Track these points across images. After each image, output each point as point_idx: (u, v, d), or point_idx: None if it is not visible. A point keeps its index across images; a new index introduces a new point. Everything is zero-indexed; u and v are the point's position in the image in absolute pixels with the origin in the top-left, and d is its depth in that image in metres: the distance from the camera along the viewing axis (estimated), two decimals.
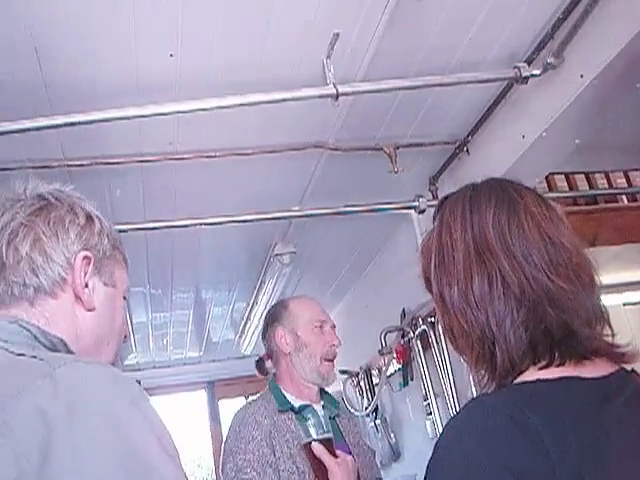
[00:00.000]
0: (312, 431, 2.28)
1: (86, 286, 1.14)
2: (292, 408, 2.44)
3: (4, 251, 1.09)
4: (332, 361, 2.59)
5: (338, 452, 2.19)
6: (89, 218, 1.19)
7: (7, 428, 0.80)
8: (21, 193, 1.16)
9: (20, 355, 0.94)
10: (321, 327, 2.60)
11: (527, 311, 1.05)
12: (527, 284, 1.06)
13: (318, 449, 2.15)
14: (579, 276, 1.08)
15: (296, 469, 2.25)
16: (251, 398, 2.55)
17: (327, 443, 2.18)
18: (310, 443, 2.17)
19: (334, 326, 2.68)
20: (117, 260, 1.24)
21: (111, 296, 1.20)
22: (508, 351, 1.05)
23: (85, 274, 1.14)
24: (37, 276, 1.08)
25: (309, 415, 2.36)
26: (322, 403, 2.55)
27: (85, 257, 1.14)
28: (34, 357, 0.93)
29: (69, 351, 1.05)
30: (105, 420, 0.84)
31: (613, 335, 1.11)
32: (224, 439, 2.42)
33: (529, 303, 1.06)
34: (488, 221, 1.13)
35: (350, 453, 2.36)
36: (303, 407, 2.45)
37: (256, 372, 2.81)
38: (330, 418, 2.53)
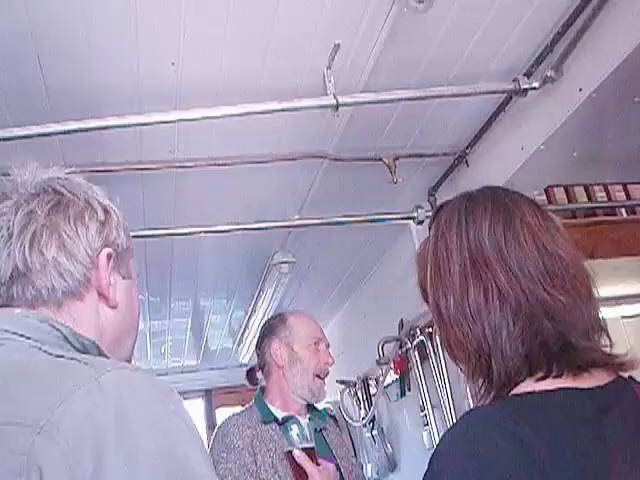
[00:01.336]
0: (295, 440, 2.29)
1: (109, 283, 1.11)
2: (276, 419, 2.46)
3: (27, 256, 1.03)
4: (323, 379, 2.61)
5: (320, 460, 2.20)
6: (106, 212, 1.14)
7: (58, 433, 0.78)
8: (25, 181, 1.09)
9: (59, 357, 0.91)
10: (316, 344, 2.63)
11: (523, 324, 1.05)
12: (523, 296, 1.06)
13: (300, 456, 2.16)
14: (576, 287, 1.08)
15: (278, 478, 2.26)
16: (234, 411, 2.56)
17: (309, 452, 2.19)
18: (292, 451, 2.18)
19: (329, 345, 2.70)
20: (130, 250, 1.20)
21: (129, 288, 1.17)
22: (504, 364, 1.05)
23: (109, 272, 1.10)
24: (64, 279, 1.04)
25: (293, 426, 2.38)
26: (308, 416, 2.57)
27: (108, 254, 1.11)
28: (73, 359, 0.90)
29: (101, 354, 1.01)
30: (154, 429, 0.83)
31: (611, 345, 1.10)
32: (208, 449, 2.43)
33: (525, 316, 1.05)
34: (484, 232, 1.12)
35: (336, 465, 2.37)
36: (287, 418, 2.47)
37: (246, 382, 2.83)
38: (316, 431, 2.54)
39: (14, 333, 0.95)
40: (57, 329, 0.98)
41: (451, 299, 1.12)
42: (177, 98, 2.40)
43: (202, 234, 3.15)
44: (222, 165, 2.87)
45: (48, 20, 2.00)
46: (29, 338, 0.95)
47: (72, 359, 0.90)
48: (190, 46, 2.19)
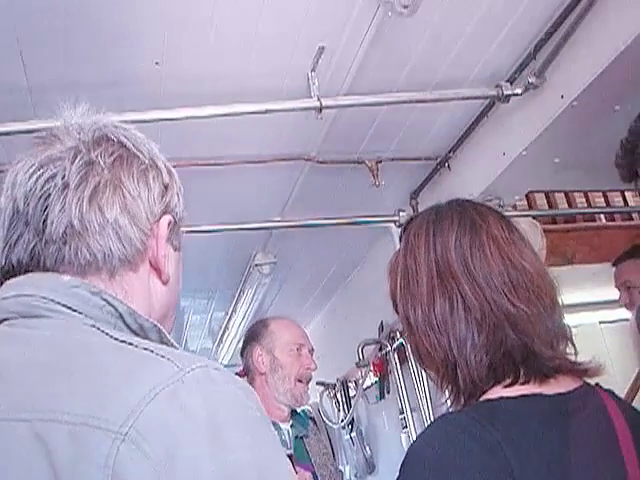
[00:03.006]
0: None
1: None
2: None
3: (85, 212, 0.87)
4: (307, 383, 2.61)
5: (297, 468, 2.20)
6: (170, 174, 1.01)
7: (146, 443, 0.66)
8: (81, 124, 0.96)
9: (129, 344, 0.77)
10: (299, 350, 2.62)
11: (487, 334, 1.08)
12: (488, 307, 1.09)
13: None
14: (540, 298, 1.11)
15: None
16: None
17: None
18: None
19: (312, 350, 2.70)
20: (183, 219, 1.06)
21: (178, 260, 1.04)
22: (470, 373, 1.08)
23: (166, 242, 0.97)
24: (123, 245, 0.89)
25: None
26: (291, 422, 2.57)
27: (169, 222, 0.98)
28: (146, 350, 0.76)
29: (162, 340, 0.87)
30: (247, 443, 0.71)
31: (576, 353, 1.13)
32: None
33: (489, 326, 1.08)
34: (450, 244, 1.15)
35: (314, 473, 2.37)
36: None
37: None
38: (297, 438, 2.54)
39: (62, 304, 0.82)
40: (111, 304, 0.84)
41: (419, 310, 1.15)
42: (160, 97, 2.39)
43: (183, 234, 3.14)
44: (204, 165, 2.87)
45: (31, 18, 1.98)
46: (77, 312, 0.82)
47: (145, 349, 0.76)
48: (174, 46, 2.19)
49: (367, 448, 4.53)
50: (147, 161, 0.97)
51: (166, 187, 0.99)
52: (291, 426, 2.56)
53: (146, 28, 2.11)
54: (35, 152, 0.92)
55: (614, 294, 3.02)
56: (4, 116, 2.22)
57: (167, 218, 0.97)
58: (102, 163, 0.90)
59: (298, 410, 2.67)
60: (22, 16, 1.97)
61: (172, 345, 0.87)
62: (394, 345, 3.89)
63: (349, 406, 4.66)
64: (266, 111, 2.36)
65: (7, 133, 2.21)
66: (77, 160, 0.89)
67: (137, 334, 0.85)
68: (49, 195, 0.87)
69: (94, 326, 0.80)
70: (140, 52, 2.20)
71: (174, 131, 2.58)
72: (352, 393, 4.68)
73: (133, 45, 2.16)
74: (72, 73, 2.23)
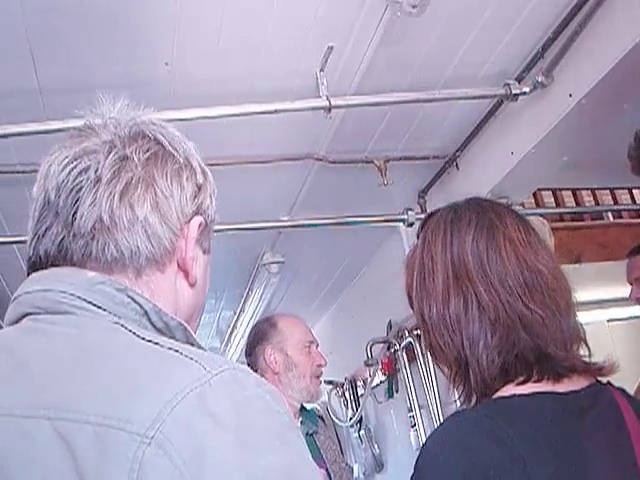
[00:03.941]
0: None
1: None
2: None
3: (115, 208, 0.85)
4: (319, 378, 2.62)
5: None
6: (205, 175, 0.99)
7: (173, 448, 0.64)
8: (118, 120, 0.96)
9: (155, 344, 0.75)
10: (309, 347, 2.63)
11: (501, 335, 1.09)
12: (502, 309, 1.09)
13: None
14: (555, 300, 1.11)
15: None
16: None
17: None
18: None
19: (318, 346, 2.71)
20: (214, 222, 1.03)
21: (207, 264, 1.02)
22: (481, 373, 1.09)
23: (195, 244, 0.95)
24: (151, 243, 0.88)
25: None
26: (300, 419, 2.57)
27: (200, 224, 0.95)
28: (171, 349, 0.75)
29: (189, 340, 0.85)
30: (275, 448, 0.69)
31: (590, 355, 1.14)
32: None
33: (503, 328, 1.09)
34: (467, 245, 1.16)
35: (326, 469, 2.38)
36: None
37: None
38: (307, 435, 2.54)
39: (87, 301, 0.81)
40: (136, 302, 0.82)
41: (434, 308, 1.17)
42: (169, 98, 2.40)
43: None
44: (214, 165, 2.84)
45: (42, 19, 2.00)
46: (102, 309, 0.81)
47: (170, 349, 0.74)
48: (183, 47, 2.20)
49: (376, 446, 4.53)
50: (182, 160, 0.96)
51: (199, 188, 0.97)
52: (301, 423, 2.56)
53: (156, 29, 2.12)
54: (71, 144, 0.91)
55: (622, 292, 3.01)
56: (15, 117, 2.24)
57: (198, 219, 0.95)
58: (136, 159, 0.89)
59: (307, 407, 2.68)
60: (33, 17, 1.98)
61: (198, 345, 0.84)
62: (403, 344, 3.89)
63: (357, 405, 4.67)
64: (275, 111, 2.37)
65: (18, 134, 2.23)
66: (111, 154, 0.88)
67: (162, 333, 0.83)
68: (81, 188, 0.86)
69: (119, 324, 0.79)
70: (150, 53, 2.21)
71: (183, 132, 2.58)
72: (360, 392, 4.68)
73: (143, 46, 2.17)
74: (81, 74, 2.24)
